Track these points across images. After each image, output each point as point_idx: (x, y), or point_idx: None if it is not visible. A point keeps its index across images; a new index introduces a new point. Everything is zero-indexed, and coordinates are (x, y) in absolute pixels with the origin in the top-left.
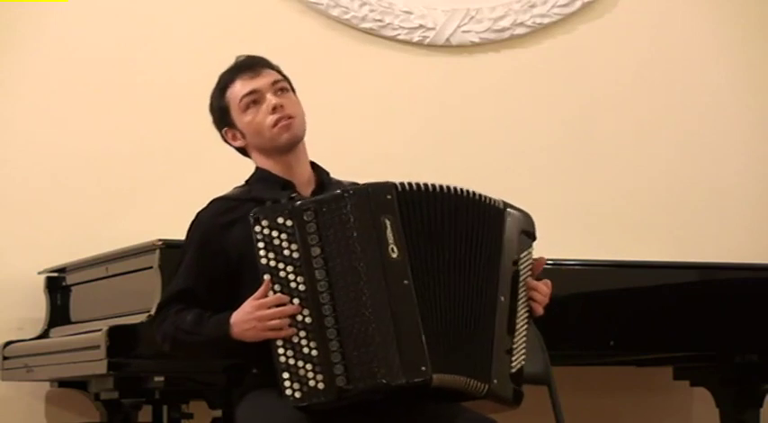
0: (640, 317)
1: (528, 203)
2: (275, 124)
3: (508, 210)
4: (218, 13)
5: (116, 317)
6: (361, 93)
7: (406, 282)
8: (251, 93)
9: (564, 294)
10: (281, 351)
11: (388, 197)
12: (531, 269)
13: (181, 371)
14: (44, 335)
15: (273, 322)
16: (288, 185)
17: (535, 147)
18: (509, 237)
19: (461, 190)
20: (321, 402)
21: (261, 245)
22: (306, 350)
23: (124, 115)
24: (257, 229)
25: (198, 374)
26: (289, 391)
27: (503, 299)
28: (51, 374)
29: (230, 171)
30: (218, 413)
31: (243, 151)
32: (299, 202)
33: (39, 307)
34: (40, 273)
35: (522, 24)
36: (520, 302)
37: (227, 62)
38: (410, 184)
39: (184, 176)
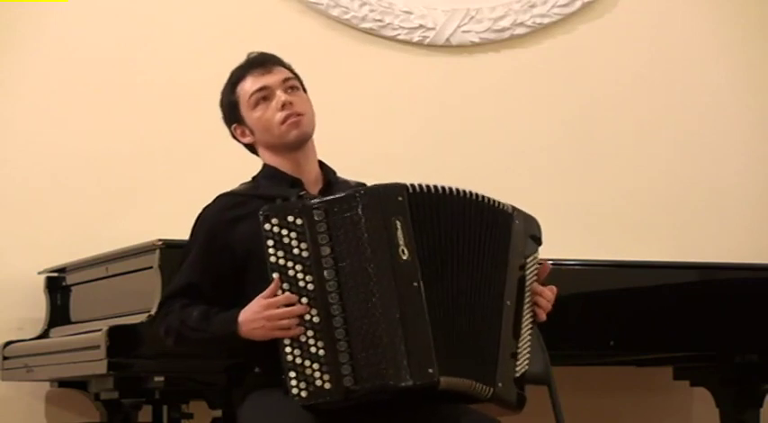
0: (640, 317)
1: (528, 203)
2: (284, 121)
3: (516, 214)
4: (218, 13)
5: (116, 317)
6: (361, 93)
7: (415, 284)
8: (261, 89)
9: (564, 294)
10: (288, 350)
11: (400, 199)
12: (536, 274)
13: (181, 371)
14: (44, 335)
15: (282, 322)
16: (296, 183)
17: (535, 147)
18: (517, 241)
19: (471, 193)
20: (327, 402)
21: (270, 243)
22: (313, 350)
23: (124, 115)
24: (267, 226)
25: (198, 374)
26: (295, 391)
27: (509, 303)
28: (51, 374)
29: (230, 171)
30: (219, 413)
31: (251, 148)
32: (309, 201)
33: (39, 307)
34: (40, 273)
35: (522, 24)
36: (525, 307)
37: (227, 62)
38: (421, 185)
39: (184, 176)
